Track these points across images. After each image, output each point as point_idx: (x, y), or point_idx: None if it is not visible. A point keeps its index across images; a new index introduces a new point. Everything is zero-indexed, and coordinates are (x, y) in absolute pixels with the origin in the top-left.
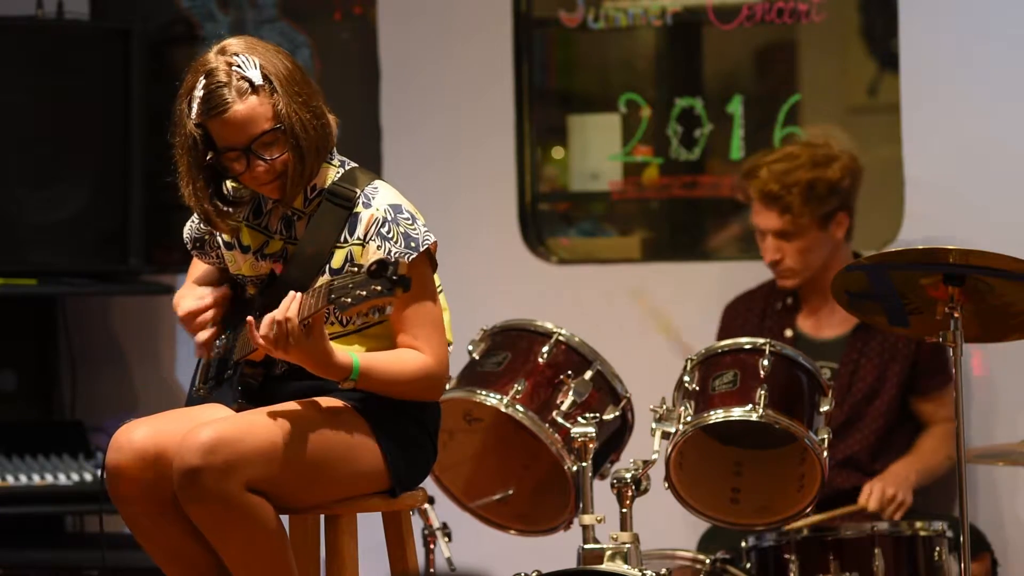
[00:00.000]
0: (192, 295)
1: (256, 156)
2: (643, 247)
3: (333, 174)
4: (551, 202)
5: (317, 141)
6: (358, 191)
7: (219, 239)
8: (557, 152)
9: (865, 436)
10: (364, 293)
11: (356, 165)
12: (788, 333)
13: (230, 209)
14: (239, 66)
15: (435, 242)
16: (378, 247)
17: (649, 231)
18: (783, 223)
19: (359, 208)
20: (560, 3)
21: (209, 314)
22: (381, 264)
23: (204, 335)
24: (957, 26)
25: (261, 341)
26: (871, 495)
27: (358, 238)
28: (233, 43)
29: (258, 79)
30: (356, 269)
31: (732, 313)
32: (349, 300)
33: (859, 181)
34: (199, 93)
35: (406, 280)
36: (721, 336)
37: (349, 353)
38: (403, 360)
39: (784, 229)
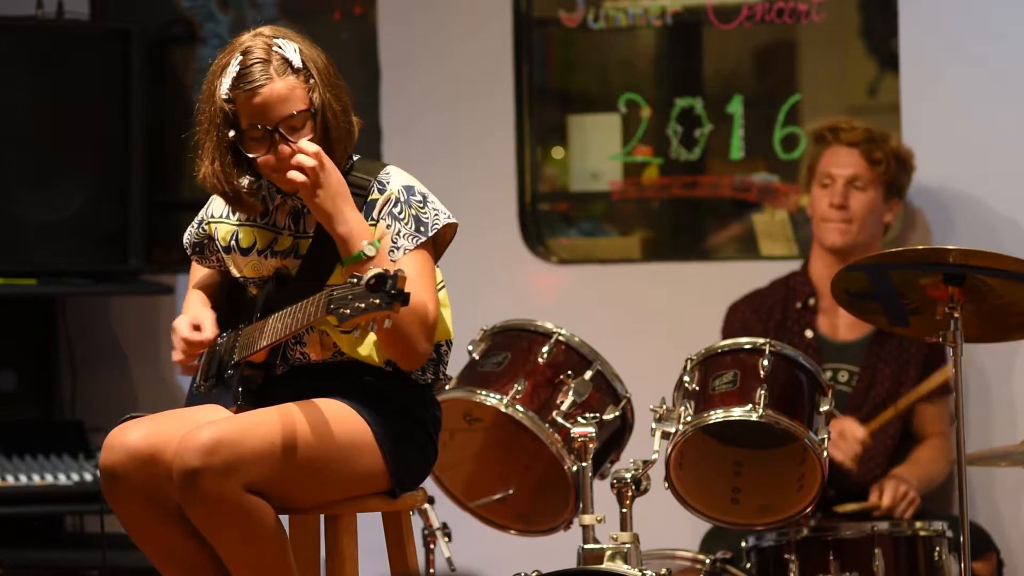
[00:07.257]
0: (192, 321)
1: (281, 138)
2: (643, 247)
3: (345, 166)
4: (551, 202)
5: (344, 134)
6: (372, 179)
7: (218, 243)
8: (557, 152)
9: (883, 440)
10: (363, 306)
11: (360, 157)
12: (808, 334)
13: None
14: (279, 47)
15: (448, 224)
16: (388, 226)
17: (649, 231)
18: (863, 169)
19: (375, 195)
20: (560, 3)
21: (199, 348)
22: (380, 278)
23: (178, 356)
24: (957, 26)
25: (297, 174)
26: (883, 492)
27: (373, 220)
28: (269, 30)
29: (297, 62)
30: (355, 280)
31: (737, 315)
32: (348, 312)
33: (908, 184)
34: (234, 69)
35: (404, 295)
36: (726, 336)
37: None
38: None
39: (861, 176)
